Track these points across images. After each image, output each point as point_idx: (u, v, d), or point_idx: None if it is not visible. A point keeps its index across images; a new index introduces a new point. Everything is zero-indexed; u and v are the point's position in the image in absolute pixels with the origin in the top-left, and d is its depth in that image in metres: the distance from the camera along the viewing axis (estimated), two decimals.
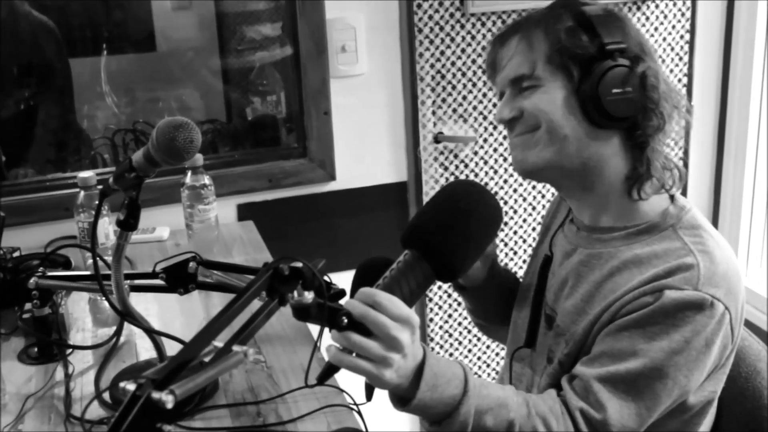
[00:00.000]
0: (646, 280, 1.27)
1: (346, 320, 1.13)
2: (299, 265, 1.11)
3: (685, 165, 2.96)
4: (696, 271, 1.25)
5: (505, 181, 2.77)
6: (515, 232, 2.83)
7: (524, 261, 2.87)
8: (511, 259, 2.86)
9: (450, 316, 2.84)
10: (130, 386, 0.89)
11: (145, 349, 1.73)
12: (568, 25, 1.33)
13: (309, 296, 1.11)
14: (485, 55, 1.46)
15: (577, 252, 1.43)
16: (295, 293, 1.10)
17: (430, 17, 2.58)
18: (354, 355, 1.15)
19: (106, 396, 1.57)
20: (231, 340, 0.99)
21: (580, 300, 1.38)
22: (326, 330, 1.16)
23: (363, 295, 1.16)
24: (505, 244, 2.84)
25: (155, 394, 0.87)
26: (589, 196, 1.41)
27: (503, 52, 1.39)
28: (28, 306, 1.74)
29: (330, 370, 1.19)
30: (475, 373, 2.90)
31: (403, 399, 1.22)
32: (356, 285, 1.37)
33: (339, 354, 1.16)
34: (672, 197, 1.38)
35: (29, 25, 2.86)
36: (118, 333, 1.74)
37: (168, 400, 0.87)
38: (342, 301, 1.17)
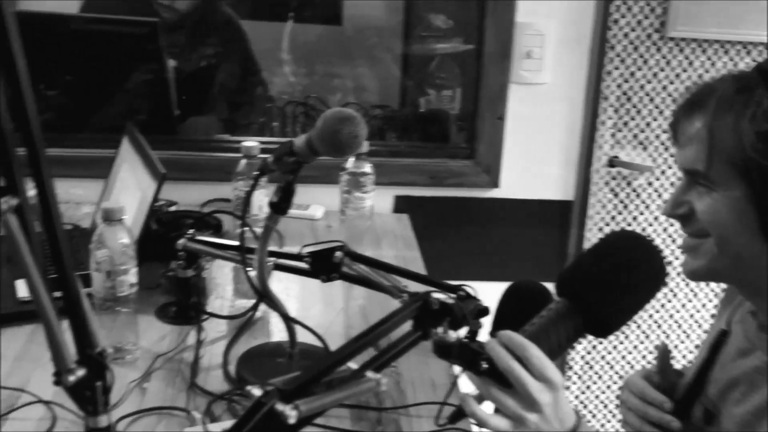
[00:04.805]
0: None
1: (486, 365, 1.07)
2: (450, 302, 1.05)
3: None
4: None
5: None
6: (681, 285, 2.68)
7: (674, 320, 2.71)
8: (666, 321, 2.71)
9: (594, 347, 2.71)
10: (257, 391, 0.85)
11: (279, 330, 1.70)
12: (764, 128, 1.12)
13: (453, 336, 1.05)
14: (671, 113, 1.32)
15: (754, 354, 1.26)
16: (440, 329, 1.05)
17: (626, 35, 2.45)
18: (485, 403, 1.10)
19: (232, 370, 1.56)
20: (366, 364, 0.94)
21: (751, 414, 1.22)
22: None
23: (512, 344, 1.08)
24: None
25: (279, 406, 0.83)
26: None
27: (684, 128, 1.22)
28: (173, 264, 1.74)
29: (461, 413, 1.13)
30: (610, 412, 2.77)
31: None
32: (503, 308, 1.30)
33: (475, 407, 1.09)
34: None
35: None
36: (254, 309, 1.72)
37: (291, 415, 0.83)
38: (482, 331, 1.10)
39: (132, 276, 1.57)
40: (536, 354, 1.07)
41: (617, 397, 1.53)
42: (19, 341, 1.62)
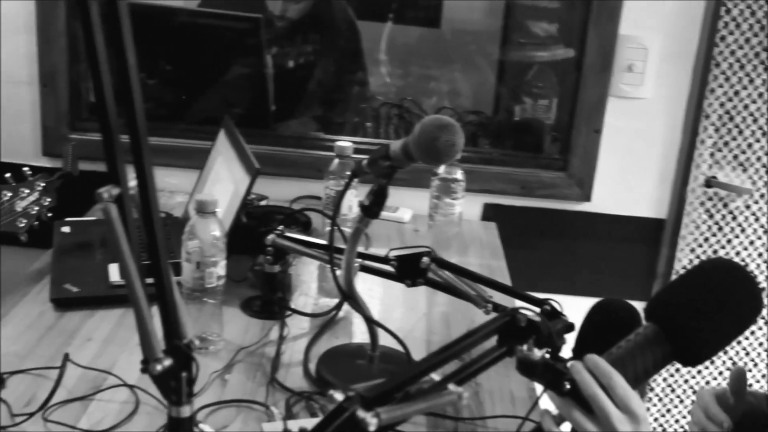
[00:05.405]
0: None
1: (569, 386, 1.05)
2: (537, 320, 1.03)
3: None
4: None
5: None
6: None
7: (764, 348, 2.63)
8: (755, 349, 2.63)
9: (677, 370, 2.64)
10: (339, 395, 0.86)
11: (361, 332, 1.70)
12: None
13: (538, 354, 1.04)
14: None
15: None
16: (525, 347, 1.03)
17: (732, 53, 2.38)
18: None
19: (312, 368, 1.57)
20: (449, 377, 0.93)
21: None
22: None
23: (597, 370, 1.06)
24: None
25: (360, 413, 0.83)
26: None
27: None
28: (261, 259, 1.76)
29: (541, 430, 1.11)
30: None
31: None
32: (589, 325, 1.28)
33: (553, 426, 1.08)
34: None
35: None
36: (337, 308, 1.73)
37: (371, 423, 0.83)
38: (565, 355, 1.09)
39: (221, 268, 1.59)
40: (621, 384, 1.05)
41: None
42: (108, 324, 1.66)
